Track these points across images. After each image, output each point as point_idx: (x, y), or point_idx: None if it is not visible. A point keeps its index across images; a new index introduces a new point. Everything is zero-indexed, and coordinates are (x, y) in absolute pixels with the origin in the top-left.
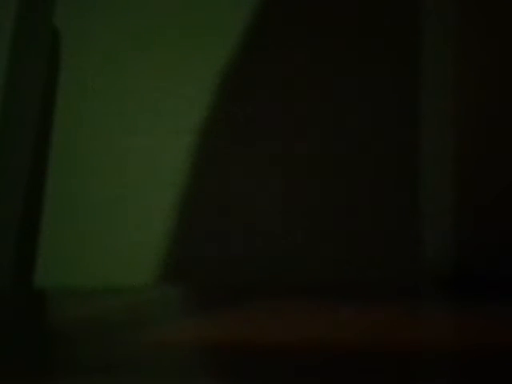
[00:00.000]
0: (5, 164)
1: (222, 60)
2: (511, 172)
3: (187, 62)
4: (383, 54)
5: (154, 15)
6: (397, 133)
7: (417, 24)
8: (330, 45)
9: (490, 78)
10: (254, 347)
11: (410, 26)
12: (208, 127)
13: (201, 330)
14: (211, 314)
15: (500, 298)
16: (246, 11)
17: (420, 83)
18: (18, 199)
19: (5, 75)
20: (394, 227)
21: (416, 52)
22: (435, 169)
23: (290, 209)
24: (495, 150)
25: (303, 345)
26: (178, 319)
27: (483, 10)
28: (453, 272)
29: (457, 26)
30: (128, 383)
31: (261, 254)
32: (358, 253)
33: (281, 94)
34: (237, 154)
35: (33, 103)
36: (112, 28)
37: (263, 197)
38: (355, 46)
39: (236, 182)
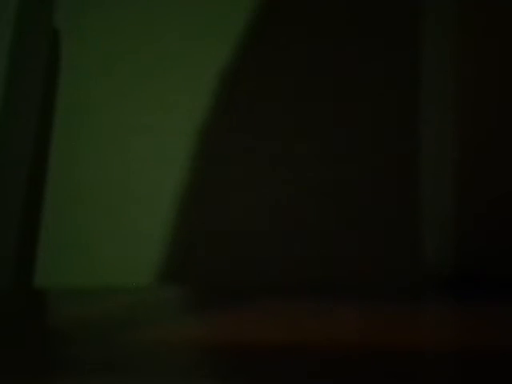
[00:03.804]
0: (5, 163)
1: (222, 60)
2: (511, 173)
3: (187, 61)
4: (383, 54)
5: (153, 15)
6: (397, 133)
7: (417, 24)
8: (330, 44)
9: (489, 77)
10: (254, 347)
11: (410, 26)
12: (208, 127)
13: (200, 330)
14: (211, 314)
15: (500, 298)
16: (246, 11)
17: (420, 83)
18: (18, 199)
19: (5, 75)
20: (394, 227)
21: (416, 52)
22: (435, 169)
23: (290, 209)
24: (495, 150)
25: (303, 345)
26: (177, 319)
27: (482, 9)
28: (453, 272)
29: (457, 25)
30: (128, 383)
31: (261, 255)
32: (358, 253)
33: (281, 94)
34: (237, 154)
35: (33, 103)
36: (112, 28)
37: (263, 197)
38: (355, 46)
39: (236, 182)
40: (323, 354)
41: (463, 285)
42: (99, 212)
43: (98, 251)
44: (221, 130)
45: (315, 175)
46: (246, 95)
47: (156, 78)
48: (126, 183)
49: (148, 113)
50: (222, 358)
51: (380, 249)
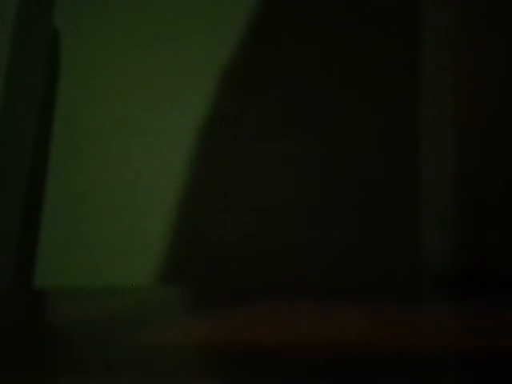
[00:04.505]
0: (5, 164)
1: (222, 60)
2: (511, 172)
3: (187, 61)
4: (383, 54)
5: (153, 15)
6: (397, 132)
7: (417, 24)
8: (330, 44)
9: (489, 78)
10: (254, 347)
11: (410, 25)
12: (208, 127)
13: (201, 330)
14: (211, 314)
15: (500, 298)
16: (246, 11)
17: (420, 84)
18: (18, 199)
19: (5, 75)
20: (394, 227)
21: (416, 52)
22: (435, 169)
23: (289, 209)
24: (495, 150)
25: (303, 345)
26: (178, 319)
27: (483, 9)
28: (453, 272)
29: (457, 25)
30: (128, 383)
31: (261, 254)
32: (358, 253)
33: (281, 95)
34: (237, 154)
35: (33, 103)
36: (112, 28)
37: (263, 197)
38: (355, 46)
39: (236, 182)
40: (323, 353)
41: (463, 285)
42: (99, 212)
43: (98, 251)
44: (221, 130)
45: (315, 175)
46: (246, 95)
47: (156, 77)
48: (126, 183)
49: (148, 112)
50: (222, 358)
51: (380, 248)
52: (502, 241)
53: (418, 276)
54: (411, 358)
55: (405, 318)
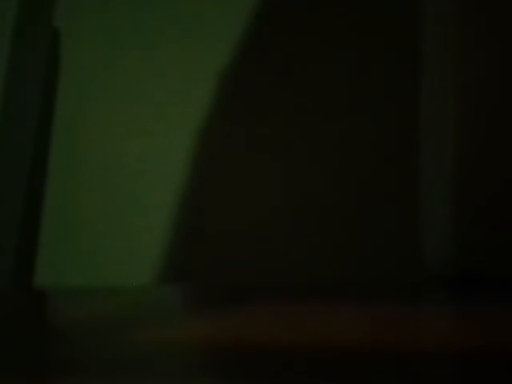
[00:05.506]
0: (5, 164)
1: (221, 60)
2: (511, 172)
3: (187, 61)
4: (383, 55)
5: (153, 15)
6: (397, 133)
7: (417, 24)
8: (330, 45)
9: (489, 77)
10: (254, 347)
11: (410, 26)
12: (208, 127)
13: (201, 330)
14: (211, 314)
15: (500, 298)
16: (246, 11)
17: (420, 84)
18: (18, 199)
19: (5, 75)
20: (394, 227)
21: (416, 52)
22: (435, 169)
23: (290, 209)
24: (495, 150)
25: (303, 345)
26: (178, 319)
27: (483, 9)
28: (453, 272)
29: (457, 26)
30: (128, 383)
31: (261, 254)
32: (358, 253)
33: (281, 95)
34: (237, 154)
35: (33, 103)
36: (112, 28)
37: (263, 197)
38: (355, 47)
39: (236, 182)
40: (323, 353)
41: (463, 285)
42: (99, 212)
43: (98, 251)
44: (220, 131)
45: (315, 175)
46: (245, 96)
47: (156, 77)
48: (126, 184)
49: (148, 112)
50: (222, 358)
51: (380, 249)
52: (501, 241)
53: (418, 276)
54: (411, 357)
55: (405, 318)
